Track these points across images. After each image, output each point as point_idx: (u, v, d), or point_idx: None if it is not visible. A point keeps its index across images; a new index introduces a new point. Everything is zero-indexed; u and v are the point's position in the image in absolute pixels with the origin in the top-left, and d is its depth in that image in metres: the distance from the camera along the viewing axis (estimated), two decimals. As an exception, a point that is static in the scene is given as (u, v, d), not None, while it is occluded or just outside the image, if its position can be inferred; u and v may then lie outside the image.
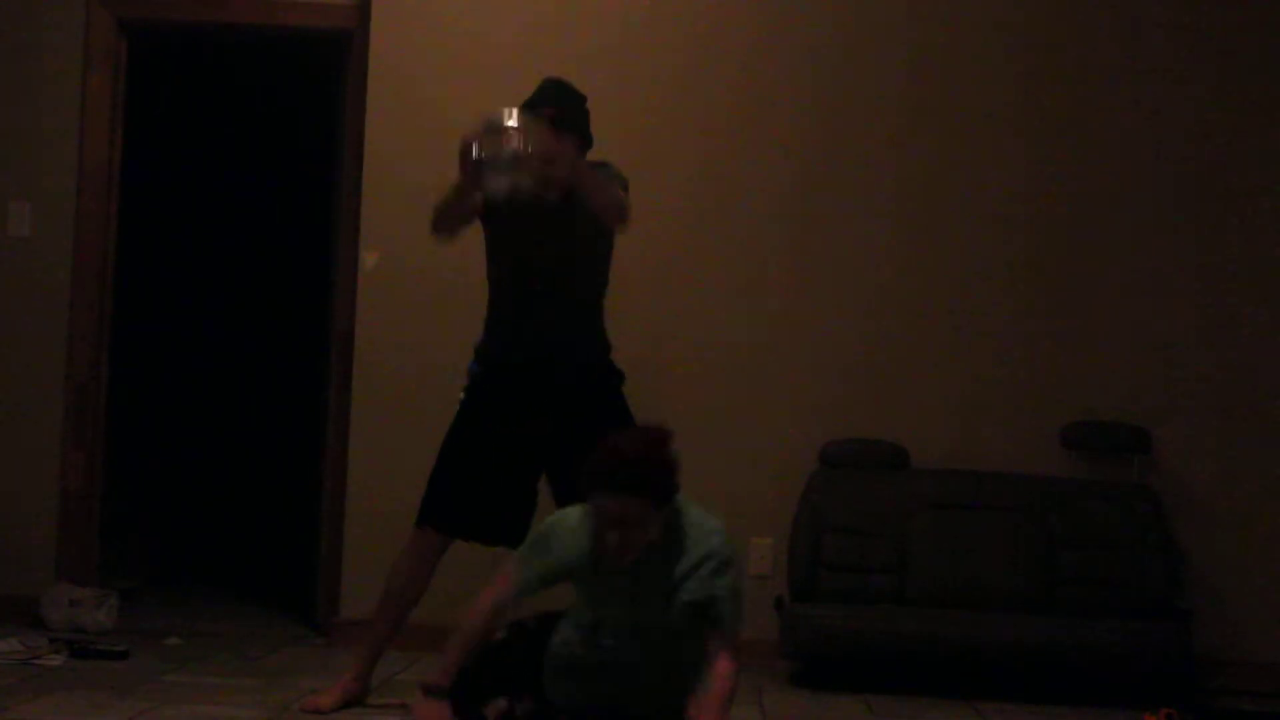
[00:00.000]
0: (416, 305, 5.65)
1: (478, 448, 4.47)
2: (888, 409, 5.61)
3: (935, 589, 5.32)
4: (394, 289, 5.65)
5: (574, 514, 3.82)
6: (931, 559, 5.36)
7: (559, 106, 4.35)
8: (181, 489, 7.82)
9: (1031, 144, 5.70)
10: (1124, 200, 5.68)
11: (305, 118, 7.42)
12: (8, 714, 4.13)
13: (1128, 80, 5.69)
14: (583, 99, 4.45)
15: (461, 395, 4.53)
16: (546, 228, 4.40)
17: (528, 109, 4.28)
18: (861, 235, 5.69)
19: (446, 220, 4.45)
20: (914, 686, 5.04)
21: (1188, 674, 5.13)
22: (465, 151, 4.16)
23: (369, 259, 5.67)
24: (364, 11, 5.73)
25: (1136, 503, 5.42)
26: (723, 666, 3.65)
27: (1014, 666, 5.08)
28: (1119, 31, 5.70)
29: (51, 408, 5.78)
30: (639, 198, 5.21)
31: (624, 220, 4.38)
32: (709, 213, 5.72)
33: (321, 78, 6.47)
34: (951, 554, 5.36)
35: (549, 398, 4.41)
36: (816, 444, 5.53)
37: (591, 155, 4.51)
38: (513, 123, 4.12)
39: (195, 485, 7.91)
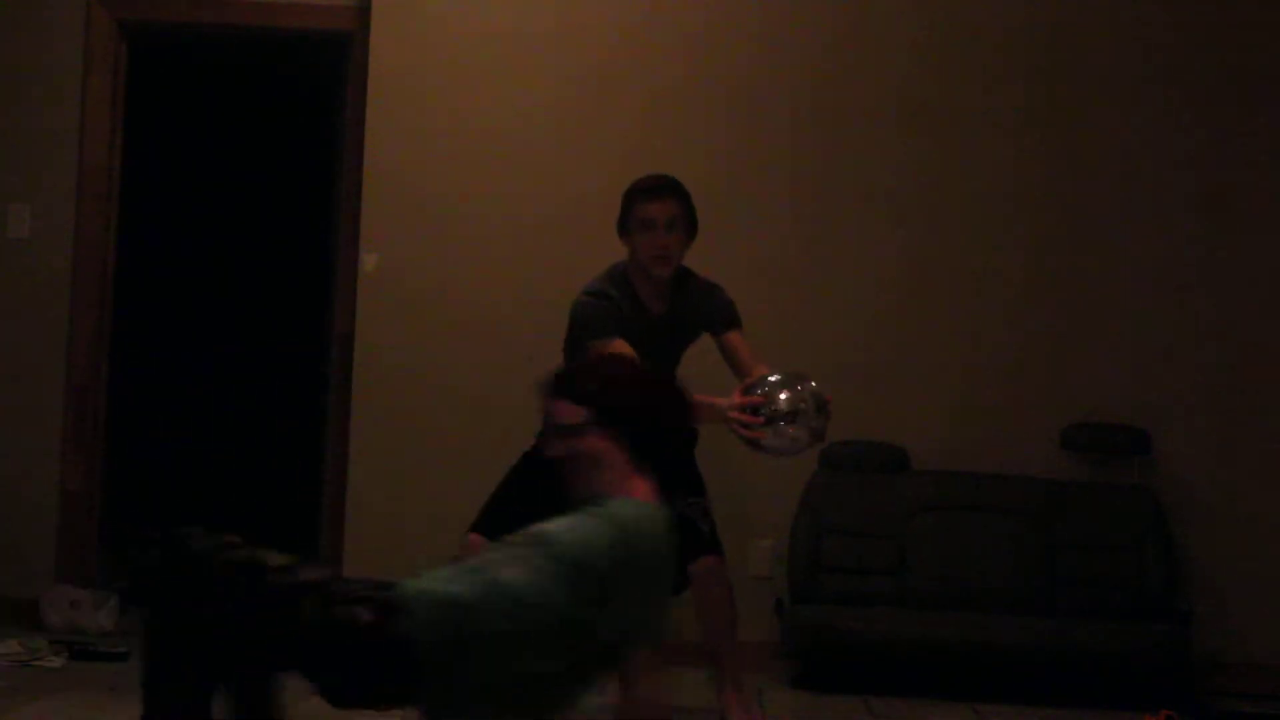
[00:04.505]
0: (416, 307, 5.65)
1: (540, 476, 4.38)
2: (887, 411, 5.61)
3: (935, 590, 5.32)
4: (393, 291, 5.65)
5: None
6: (931, 560, 5.37)
7: (685, 203, 4.40)
8: (181, 490, 7.81)
9: (1032, 144, 5.70)
10: (1124, 200, 5.68)
11: (305, 119, 7.41)
12: (8, 715, 4.13)
13: (1129, 80, 5.70)
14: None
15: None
16: (660, 337, 4.36)
17: (655, 192, 4.34)
18: (861, 236, 5.69)
19: None
20: (914, 688, 5.04)
21: (1187, 675, 5.13)
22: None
23: (368, 261, 5.67)
24: (364, 14, 5.73)
25: (1136, 503, 5.42)
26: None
27: (1014, 667, 5.08)
28: (1120, 30, 5.71)
29: (51, 408, 5.78)
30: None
31: None
32: (708, 217, 5.67)
33: (321, 79, 6.47)
34: (951, 555, 5.37)
35: None
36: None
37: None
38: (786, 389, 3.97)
39: (195, 486, 7.91)
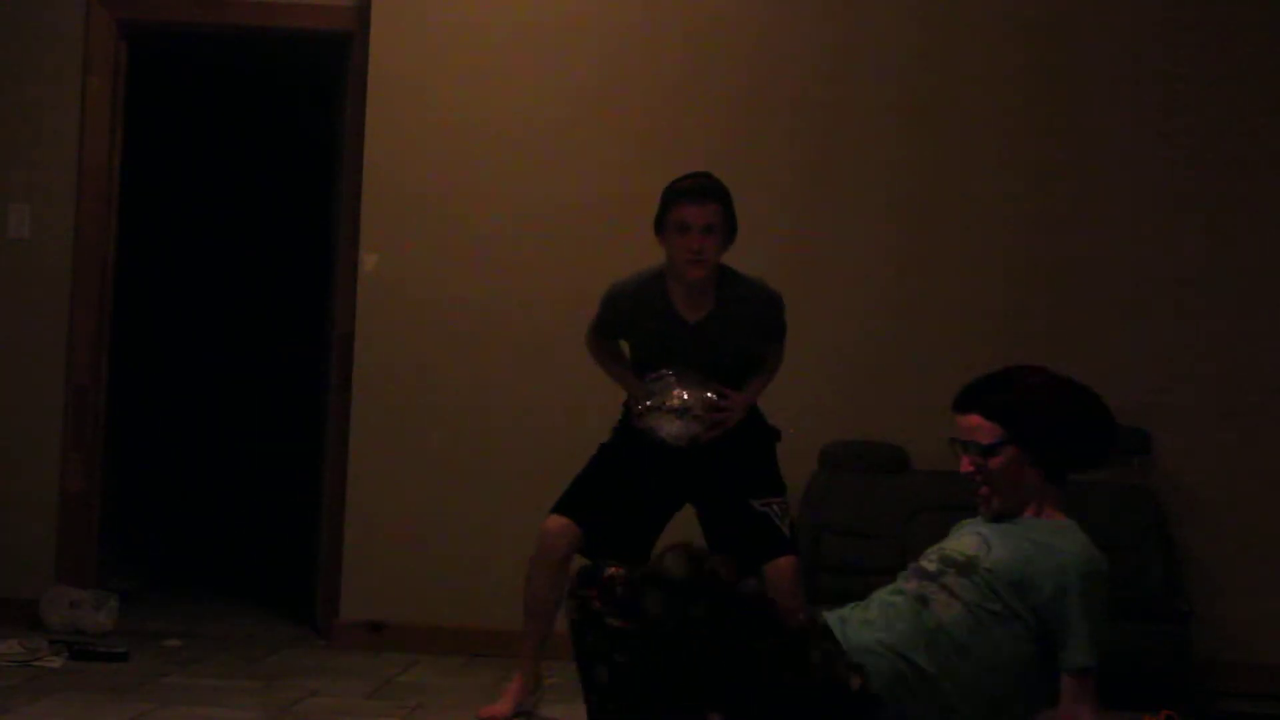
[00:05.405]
0: (416, 307, 5.65)
1: (624, 458, 4.35)
2: (887, 410, 5.61)
3: (935, 590, 5.31)
4: (393, 291, 5.65)
5: None
6: (931, 560, 5.36)
7: (726, 206, 4.25)
8: (181, 490, 7.82)
9: (1032, 144, 5.70)
10: (1123, 200, 5.67)
11: (305, 119, 7.42)
12: (8, 716, 4.13)
13: (1128, 80, 5.69)
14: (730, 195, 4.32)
15: (622, 410, 4.42)
16: (690, 344, 4.26)
17: (694, 195, 4.20)
18: (860, 236, 5.69)
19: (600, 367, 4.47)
20: (914, 688, 5.03)
21: (1187, 675, 5.12)
22: (635, 399, 4.22)
23: (368, 261, 5.68)
24: (363, 14, 5.73)
25: (1136, 503, 5.42)
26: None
27: (1014, 668, 5.06)
28: (1120, 30, 5.70)
29: (51, 409, 5.78)
30: (638, 197, 5.24)
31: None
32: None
33: (321, 79, 6.48)
34: (951, 555, 5.35)
35: (693, 456, 4.30)
36: (816, 445, 5.52)
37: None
38: (680, 389, 4.21)
39: (195, 486, 7.91)
